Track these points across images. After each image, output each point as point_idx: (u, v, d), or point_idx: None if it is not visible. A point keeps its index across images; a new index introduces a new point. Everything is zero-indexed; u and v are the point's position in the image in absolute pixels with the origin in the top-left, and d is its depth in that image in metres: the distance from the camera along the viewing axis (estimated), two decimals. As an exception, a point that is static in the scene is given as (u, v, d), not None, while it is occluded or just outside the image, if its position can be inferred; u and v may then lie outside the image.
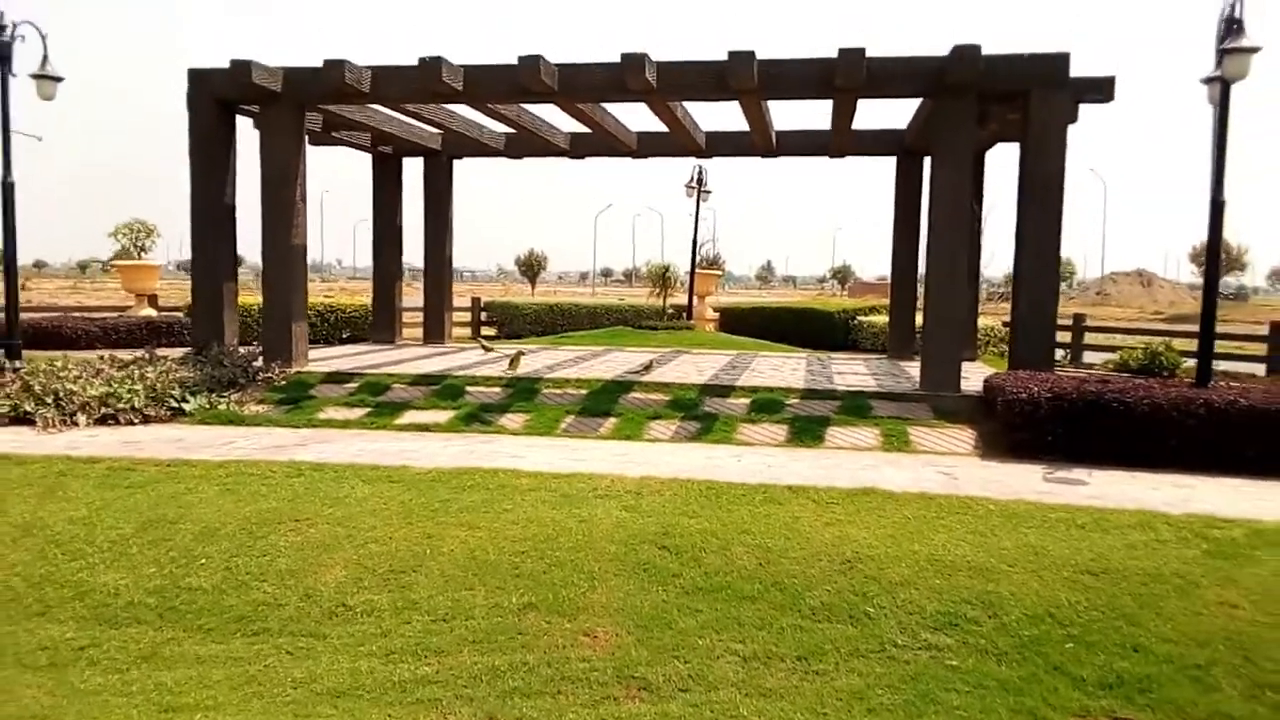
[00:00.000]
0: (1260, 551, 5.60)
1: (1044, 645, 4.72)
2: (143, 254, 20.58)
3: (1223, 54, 7.70)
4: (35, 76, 10.24)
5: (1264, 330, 15.51)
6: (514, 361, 11.52)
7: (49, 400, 9.25)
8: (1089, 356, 17.65)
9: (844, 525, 6.02)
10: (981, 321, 16.26)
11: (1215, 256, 8.36)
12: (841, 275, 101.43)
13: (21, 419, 9.08)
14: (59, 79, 10.37)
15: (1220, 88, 8.02)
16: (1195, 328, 13.49)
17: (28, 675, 4.63)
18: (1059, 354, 18.57)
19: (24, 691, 4.46)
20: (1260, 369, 14.93)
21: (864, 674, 4.53)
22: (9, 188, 10.18)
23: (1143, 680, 4.45)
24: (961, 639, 4.79)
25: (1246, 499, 6.74)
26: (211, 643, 4.91)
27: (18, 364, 10.13)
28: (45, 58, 10.23)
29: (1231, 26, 7.76)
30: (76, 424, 9.01)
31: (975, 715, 4.20)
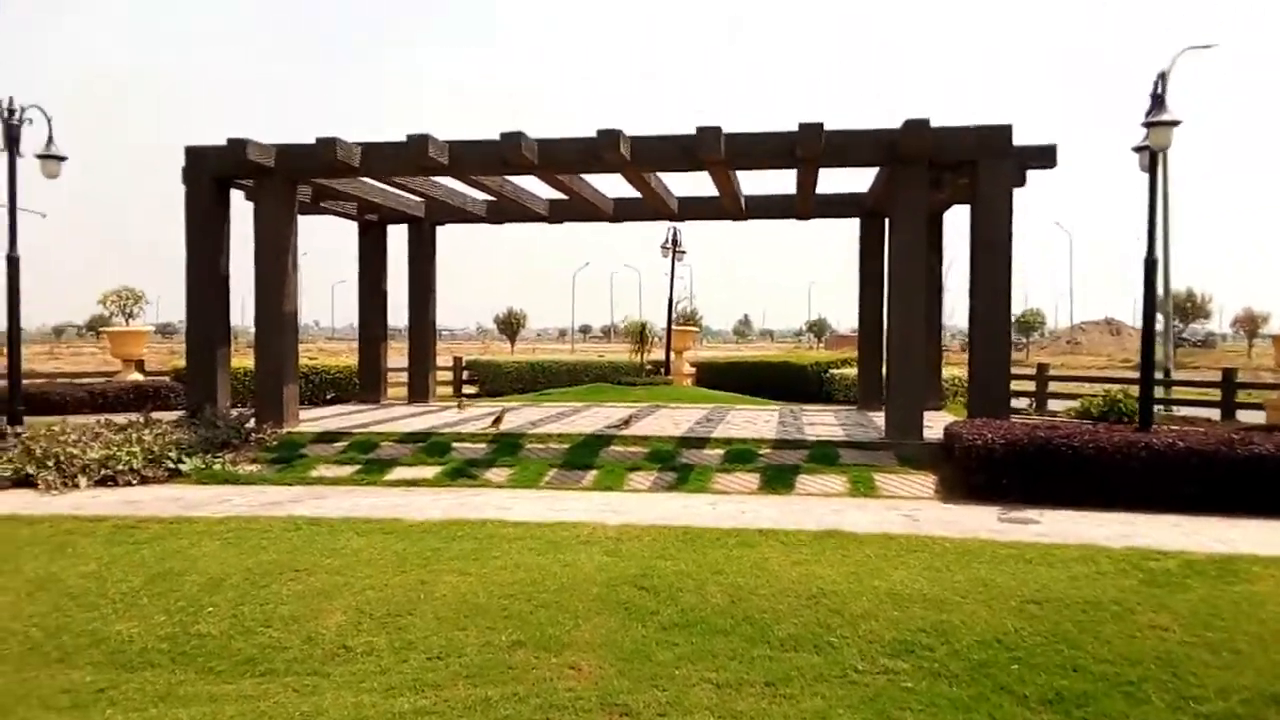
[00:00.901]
0: (1191, 580, 6.11)
1: (991, 667, 5.17)
2: (130, 320, 20.98)
3: (1148, 126, 8.40)
4: (41, 156, 10.77)
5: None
6: (497, 420, 11.97)
7: (50, 464, 9.60)
8: (1053, 404, 18.29)
9: (810, 564, 6.48)
10: (947, 371, 16.89)
11: (1151, 312, 8.99)
12: (818, 328, 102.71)
13: (24, 481, 9.42)
14: (63, 158, 10.91)
15: (1149, 156, 8.73)
16: (1159, 375, 14.07)
17: (52, 715, 4.98)
18: (1024, 403, 19.25)
19: (51, 730, 4.81)
20: (1216, 414, 15.63)
21: (827, 697, 4.95)
22: (14, 262, 10.64)
23: (1080, 696, 4.91)
24: (916, 664, 5.23)
25: (1183, 533, 7.26)
26: (222, 683, 5.28)
27: (19, 429, 10.47)
28: (50, 139, 10.79)
29: (1156, 102, 8.48)
30: (78, 486, 9.36)
31: (926, 730, 4.64)
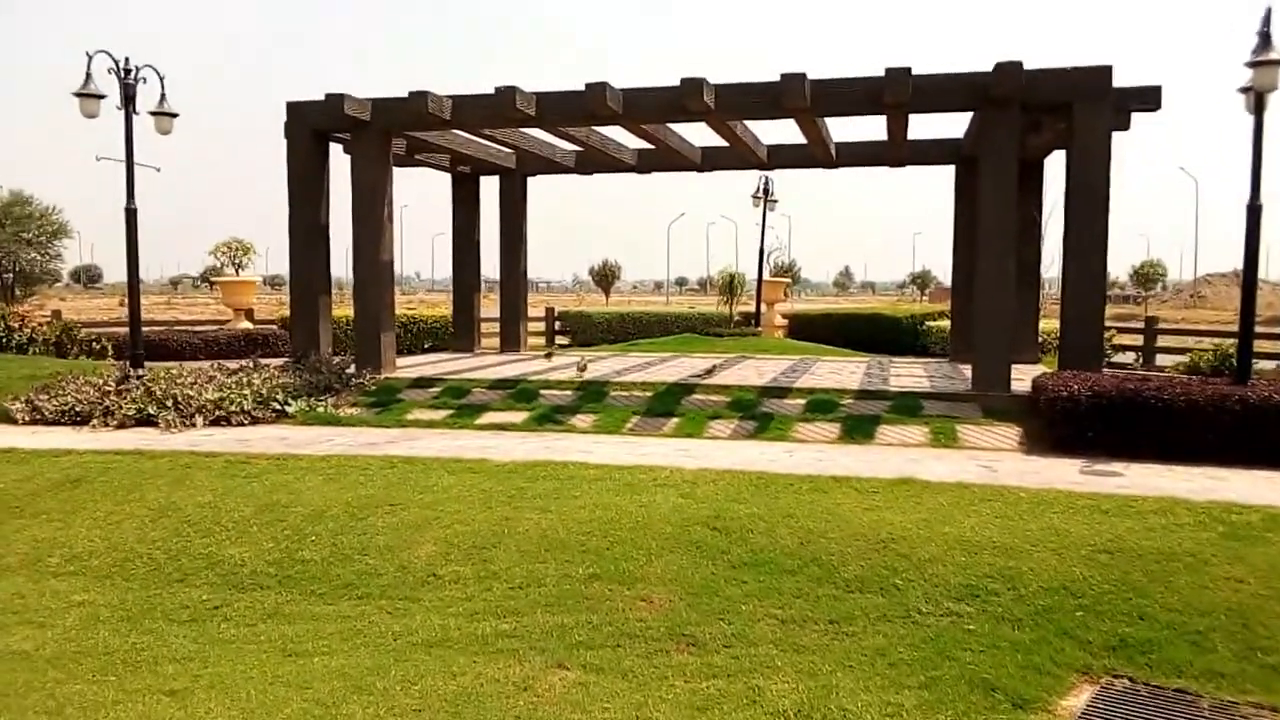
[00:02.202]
0: (1273, 534, 5.99)
1: (1056, 613, 5.22)
2: (240, 271, 22.01)
3: (1253, 66, 8.04)
4: (154, 113, 11.40)
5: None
6: (582, 368, 12.33)
7: (169, 404, 10.32)
8: (1163, 359, 17.71)
9: (882, 510, 6.58)
10: (1045, 324, 16.48)
11: (1253, 261, 8.65)
12: (921, 280, 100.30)
13: (146, 420, 10.16)
14: (175, 115, 11.53)
15: (1255, 98, 8.36)
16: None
17: (174, 627, 5.51)
18: (1130, 357, 18.68)
19: (173, 638, 5.32)
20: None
21: (889, 635, 5.10)
22: (132, 214, 11.34)
23: (1144, 644, 4.93)
24: (980, 607, 5.33)
25: (1273, 488, 7.09)
26: (323, 604, 5.73)
27: (141, 372, 11.24)
28: (163, 96, 11.40)
29: (1263, 40, 8.09)
30: (194, 425, 10.05)
31: (985, 669, 4.74)
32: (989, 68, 9.98)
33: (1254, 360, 11.61)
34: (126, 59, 11.05)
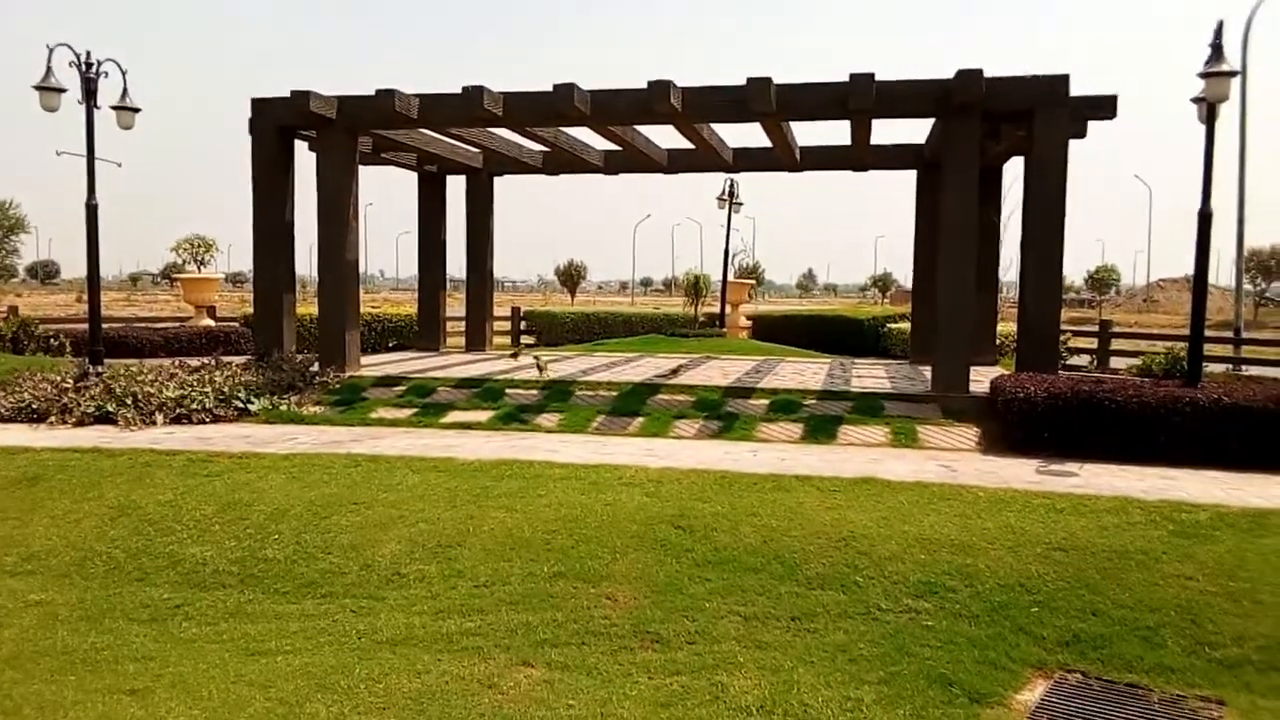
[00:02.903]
0: (1220, 532, 6.17)
1: (1012, 610, 5.35)
2: (202, 267, 21.73)
3: (1205, 77, 8.26)
4: (115, 108, 11.25)
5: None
6: (542, 367, 12.34)
7: (129, 401, 10.18)
8: (1116, 362, 18.04)
9: (843, 509, 6.67)
10: (1003, 327, 16.75)
11: (1204, 266, 8.88)
12: (882, 283, 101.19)
13: (105, 418, 10.02)
14: (137, 110, 11.37)
15: (1207, 108, 8.58)
16: (1228, 334, 13.68)
17: (135, 626, 5.46)
18: (1085, 359, 19.01)
19: (133, 637, 5.28)
20: (1283, 373, 15.27)
21: (849, 631, 5.19)
22: (93, 210, 11.18)
23: (1097, 639, 5.07)
24: (939, 604, 5.44)
25: (1222, 488, 7.29)
26: (287, 603, 5.71)
27: (100, 369, 11.08)
28: (125, 91, 11.25)
29: (1215, 52, 8.31)
30: (154, 423, 9.93)
31: (943, 665, 4.84)
32: (951, 75, 10.14)
33: (1204, 364, 11.90)
34: (88, 53, 10.90)
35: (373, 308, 23.92)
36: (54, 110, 10.91)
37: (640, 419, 10.01)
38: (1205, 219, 8.69)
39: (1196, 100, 8.70)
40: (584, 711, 4.38)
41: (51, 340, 16.20)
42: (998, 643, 5.05)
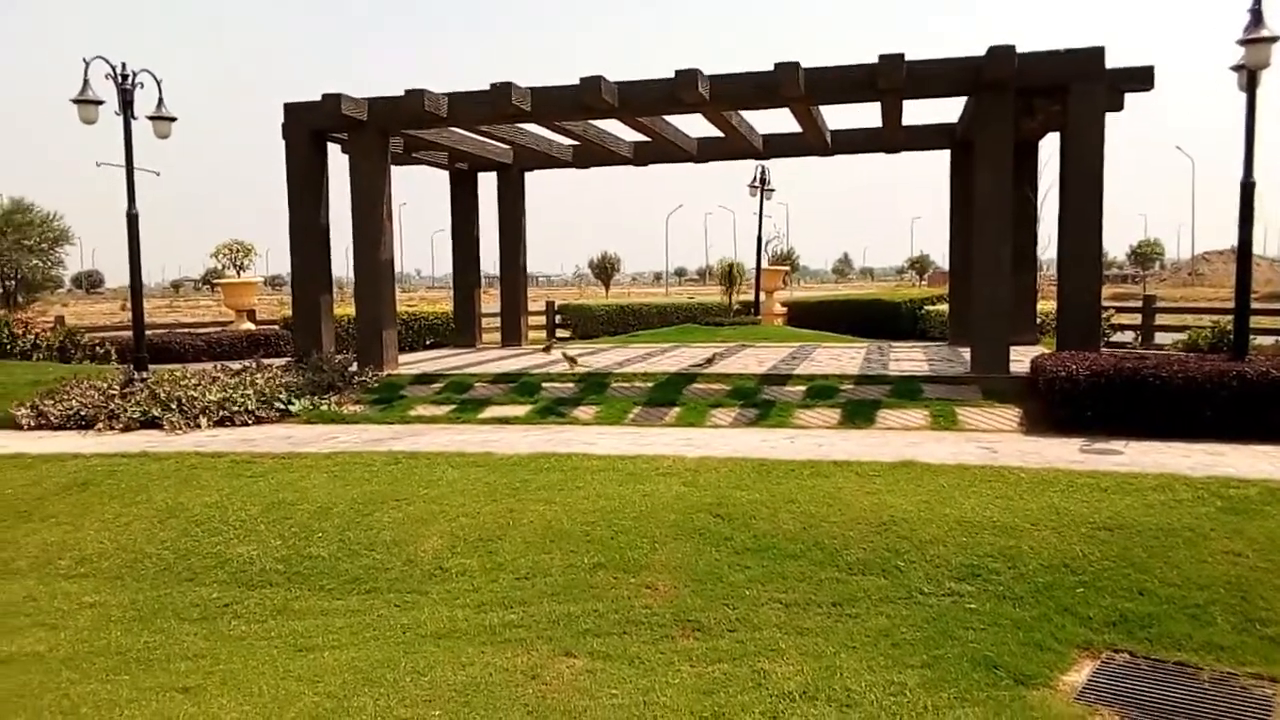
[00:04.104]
0: (1271, 507, 6.04)
1: (1056, 590, 5.28)
2: (241, 272, 22.05)
3: (1244, 44, 8.07)
4: (152, 118, 11.44)
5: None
6: (573, 361, 12.40)
7: (173, 406, 10.38)
8: (1161, 337, 17.73)
9: (883, 494, 6.63)
10: (1043, 305, 16.52)
11: (1248, 237, 8.69)
12: (920, 265, 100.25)
13: (151, 423, 10.23)
14: (173, 119, 11.56)
15: (1247, 75, 8.38)
16: (1278, 305, 13.30)
17: (185, 625, 5.58)
18: (1131, 336, 18.70)
19: (184, 636, 5.40)
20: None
21: (891, 616, 5.17)
22: (134, 219, 11.39)
23: (1144, 618, 4.99)
24: (981, 586, 5.39)
25: (1271, 462, 7.13)
26: (332, 599, 5.80)
27: (145, 375, 11.31)
28: (160, 101, 11.43)
29: (1255, 18, 8.12)
30: (199, 426, 10.12)
31: (987, 647, 4.80)
32: (982, 52, 10.00)
33: (1252, 336, 11.66)
34: (124, 64, 11.09)
35: (409, 306, 24.15)
36: (92, 123, 11.13)
37: (676, 409, 10.01)
38: (1248, 189, 8.50)
39: (1236, 68, 8.50)
40: (627, 700, 4.40)
41: (97, 348, 16.57)
42: (1043, 624, 4.99)
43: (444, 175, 16.78)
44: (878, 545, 5.86)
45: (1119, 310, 20.09)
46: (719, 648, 4.92)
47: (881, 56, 10.10)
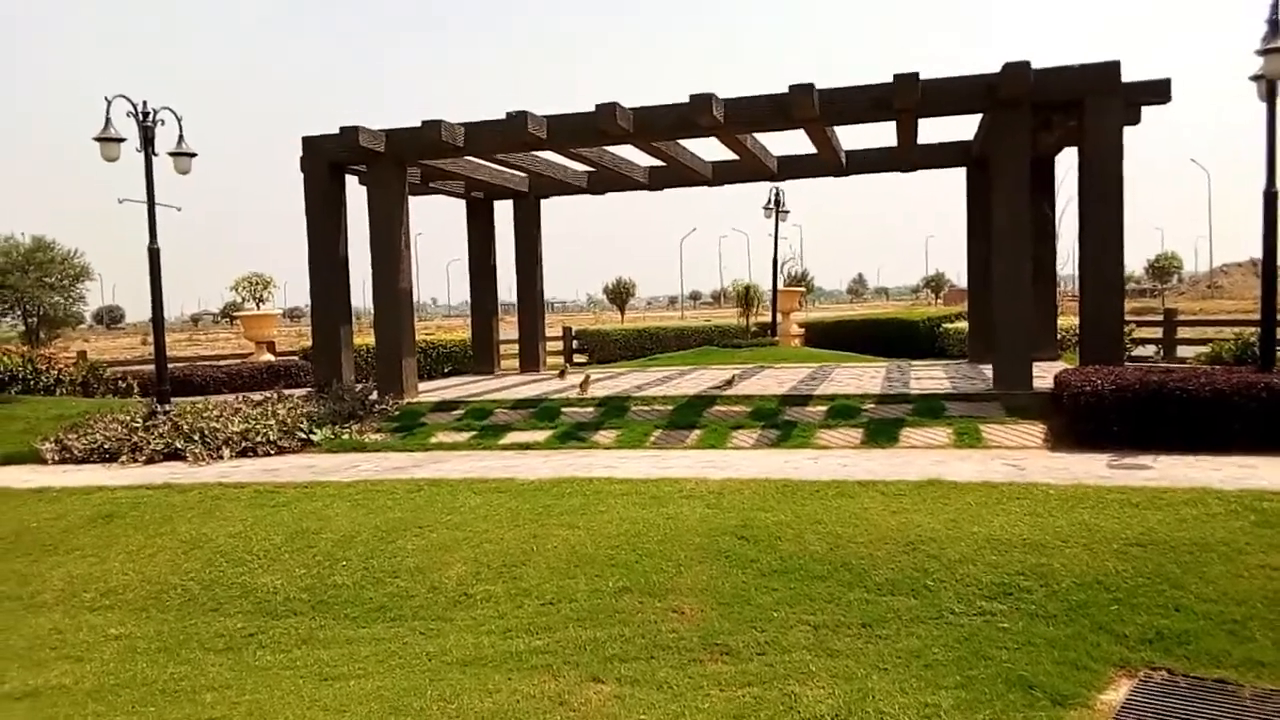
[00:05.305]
0: (1307, 520, 5.94)
1: (1090, 608, 5.19)
2: (261, 305, 22.22)
3: (1263, 54, 8.03)
4: (173, 154, 11.58)
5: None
6: (584, 385, 12.39)
7: (196, 437, 10.43)
8: (1184, 350, 17.56)
9: (909, 513, 6.56)
10: (1064, 321, 16.41)
11: (1272, 246, 8.61)
12: (935, 284, 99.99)
13: (174, 455, 10.27)
14: (193, 155, 11.69)
15: (1266, 85, 8.34)
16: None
17: (210, 655, 5.56)
18: (1152, 349, 18.54)
19: (210, 667, 5.38)
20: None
21: (922, 637, 5.09)
22: (155, 254, 11.51)
23: (1181, 635, 4.89)
24: (1014, 605, 5.30)
25: (1305, 475, 7.02)
26: (357, 627, 5.77)
27: (167, 407, 11.37)
28: (181, 137, 11.57)
29: (1273, 28, 8.09)
30: (221, 457, 10.15)
31: (1022, 667, 4.71)
32: (997, 69, 10.00)
33: (1278, 347, 11.52)
34: (144, 102, 11.25)
35: (426, 335, 24.23)
36: (114, 160, 11.28)
37: (697, 431, 9.97)
38: (1271, 198, 8.43)
39: (1255, 78, 8.46)
40: (657, 726, 4.34)
41: (119, 382, 16.68)
42: (1077, 642, 4.90)
43: (458, 204, 16.89)
44: (906, 565, 5.79)
45: (1140, 324, 19.93)
46: (748, 671, 4.86)
47: (896, 76, 10.12)
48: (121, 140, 11.28)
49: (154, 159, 11.34)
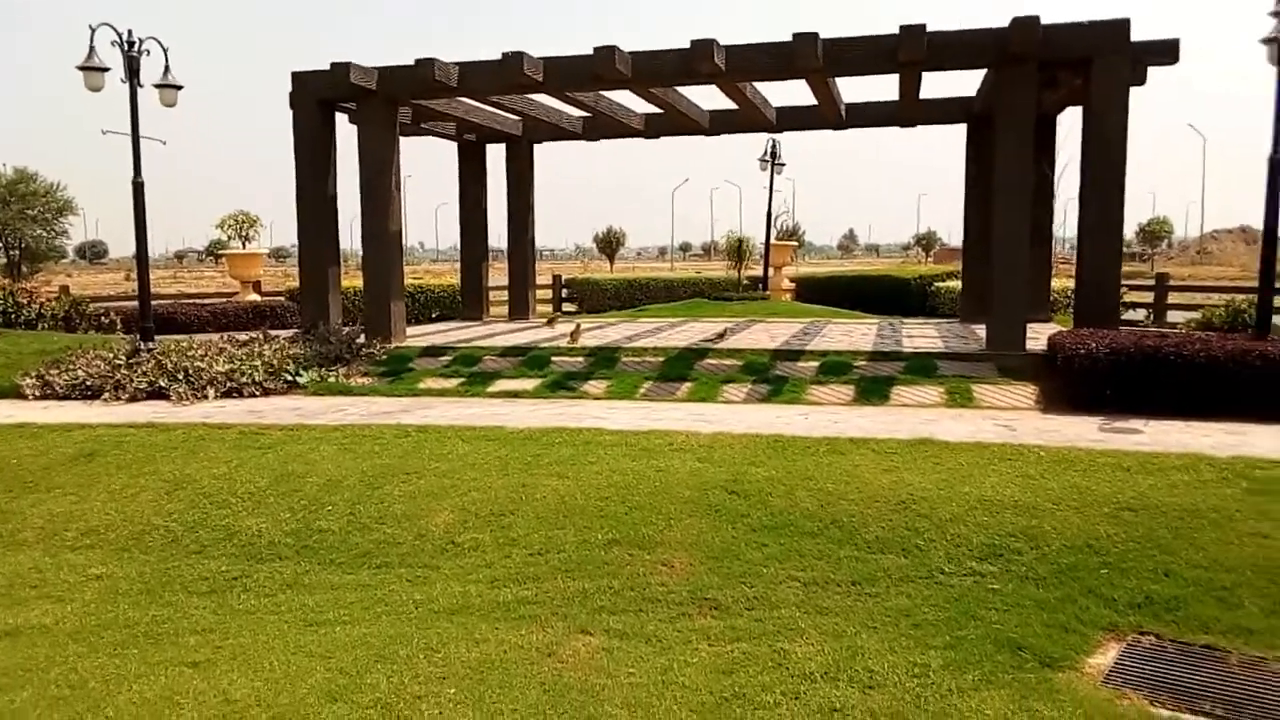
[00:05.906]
0: (1299, 488, 5.93)
1: (1080, 572, 5.18)
2: (247, 244, 21.92)
3: (1277, 15, 7.87)
4: (158, 86, 11.27)
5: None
6: (574, 334, 12.28)
7: (180, 377, 10.29)
8: (1174, 316, 17.55)
9: (901, 471, 6.53)
10: (1057, 283, 16.35)
11: (1274, 212, 8.52)
12: (926, 242, 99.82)
13: (157, 393, 10.14)
14: (179, 87, 11.39)
15: (1277, 49, 8.19)
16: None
17: (194, 598, 5.50)
18: (1142, 314, 18.53)
19: (193, 610, 5.32)
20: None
21: (912, 596, 5.07)
22: (139, 188, 11.26)
23: (1170, 600, 4.89)
24: (1004, 567, 5.29)
25: (1297, 443, 7.01)
26: (343, 573, 5.72)
27: (151, 345, 11.21)
28: (167, 68, 11.26)
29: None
30: (206, 397, 10.03)
31: (1011, 629, 4.70)
32: (1004, 23, 9.79)
33: (1274, 314, 11.49)
34: (130, 31, 10.90)
35: (415, 279, 24.02)
36: (98, 90, 10.98)
37: (688, 384, 9.90)
38: (1275, 164, 8.32)
39: (1267, 41, 8.30)
40: (645, 679, 4.31)
41: (102, 318, 16.46)
42: (1067, 605, 4.89)
43: (448, 147, 16.60)
44: (897, 524, 5.76)
45: (1130, 288, 19.89)
46: (737, 626, 4.83)
47: (902, 27, 9.90)
48: (106, 70, 10.96)
49: (139, 91, 11.03)
